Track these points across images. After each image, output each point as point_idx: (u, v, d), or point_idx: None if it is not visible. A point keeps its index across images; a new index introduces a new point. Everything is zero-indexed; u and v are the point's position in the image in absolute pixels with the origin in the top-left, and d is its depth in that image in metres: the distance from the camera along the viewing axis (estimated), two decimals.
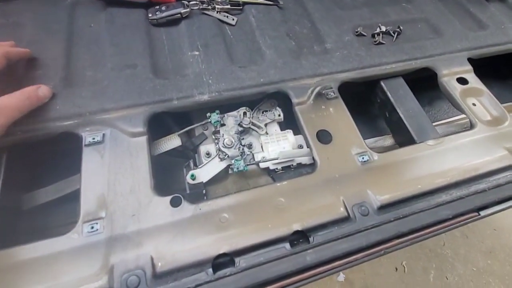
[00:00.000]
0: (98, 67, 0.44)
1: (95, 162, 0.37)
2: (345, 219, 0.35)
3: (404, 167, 0.40)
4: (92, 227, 0.33)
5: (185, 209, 0.35)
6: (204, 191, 0.42)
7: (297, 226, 0.34)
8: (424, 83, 0.62)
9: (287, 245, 0.32)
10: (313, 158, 0.41)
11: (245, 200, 0.36)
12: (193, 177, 0.41)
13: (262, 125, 0.47)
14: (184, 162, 0.45)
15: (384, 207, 0.36)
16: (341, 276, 1.11)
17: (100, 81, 0.43)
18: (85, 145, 0.38)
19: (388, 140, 0.52)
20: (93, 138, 0.38)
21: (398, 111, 0.49)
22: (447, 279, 1.20)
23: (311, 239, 0.33)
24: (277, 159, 0.44)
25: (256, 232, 0.33)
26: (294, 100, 0.45)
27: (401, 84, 0.51)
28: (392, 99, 0.50)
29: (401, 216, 0.36)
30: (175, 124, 0.46)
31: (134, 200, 0.34)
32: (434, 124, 0.57)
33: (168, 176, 0.45)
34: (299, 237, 0.34)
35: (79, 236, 0.32)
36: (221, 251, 0.31)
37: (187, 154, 0.46)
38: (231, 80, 0.45)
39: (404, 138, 0.48)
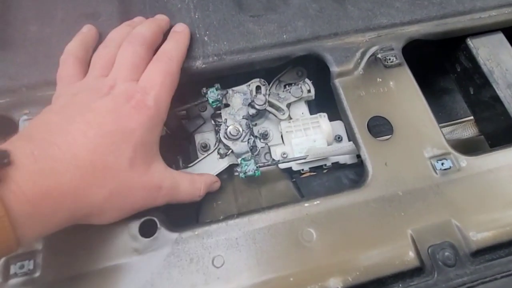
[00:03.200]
0: (46, 19, 0.30)
1: None
2: (417, 271, 0.21)
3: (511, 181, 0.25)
4: (22, 267, 0.22)
5: (160, 242, 0.22)
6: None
7: (336, 282, 0.21)
8: None
9: None
10: (362, 162, 0.26)
11: (253, 230, 0.23)
12: None
13: (283, 105, 0.32)
14: (173, 157, 0.32)
15: (482, 252, 0.22)
16: None
17: (47, 40, 0.29)
18: None
19: (469, 129, 0.35)
20: None
21: (494, 86, 0.31)
22: None
23: None
24: (304, 158, 0.30)
25: (267, 287, 0.21)
26: (334, 69, 0.29)
27: (501, 43, 0.33)
28: (484, 67, 0.32)
29: None
30: None
31: (85, 227, 0.22)
32: None
33: None
34: None
35: (3, 280, 0.21)
36: None
37: (178, 146, 0.33)
38: (238, 37, 0.29)
39: (499, 128, 0.32)
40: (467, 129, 0.35)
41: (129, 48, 0.25)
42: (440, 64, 0.39)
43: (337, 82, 0.29)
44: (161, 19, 0.29)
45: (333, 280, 0.21)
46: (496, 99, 0.31)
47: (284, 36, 0.30)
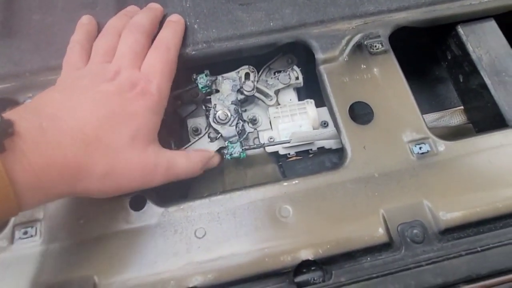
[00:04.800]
0: (49, 8, 0.32)
1: None
2: (385, 246, 0.23)
3: (488, 165, 0.25)
4: (26, 233, 0.24)
5: (148, 214, 0.24)
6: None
7: (307, 254, 0.22)
8: None
9: (287, 284, 0.21)
10: (342, 146, 0.27)
11: (234, 206, 0.25)
12: None
13: (271, 92, 0.33)
14: (166, 141, 0.34)
15: (450, 231, 0.23)
16: None
17: (49, 28, 0.31)
18: None
19: (457, 117, 0.36)
20: None
21: (482, 73, 0.32)
22: None
23: (328, 275, 0.22)
24: (288, 142, 0.31)
25: (242, 258, 0.22)
26: (319, 56, 0.30)
27: (492, 30, 0.33)
28: (473, 55, 0.32)
29: (479, 249, 0.22)
30: None
31: (81, 199, 0.25)
32: None
33: None
34: (310, 269, 0.23)
35: (9, 243, 0.24)
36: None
37: (170, 130, 0.35)
38: (227, 25, 0.31)
39: (486, 116, 0.32)
40: (454, 117, 0.36)
41: (130, 36, 0.26)
42: (433, 52, 0.39)
43: (322, 68, 0.30)
44: (155, 8, 0.31)
45: (304, 252, 0.22)
46: (484, 86, 0.31)
47: (271, 23, 0.31)
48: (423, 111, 0.29)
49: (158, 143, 0.26)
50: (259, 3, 0.32)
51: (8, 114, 0.18)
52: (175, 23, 0.30)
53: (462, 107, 0.37)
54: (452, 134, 0.37)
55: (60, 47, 0.30)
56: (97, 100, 0.22)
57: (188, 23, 0.31)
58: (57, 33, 0.31)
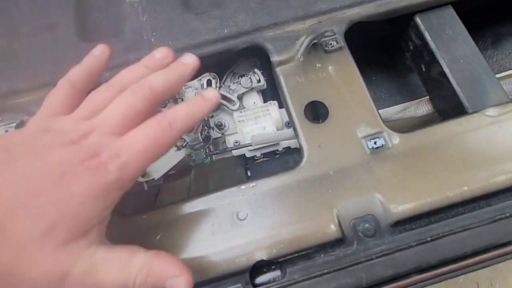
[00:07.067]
0: (13, 34, 0.33)
1: None
2: (338, 242, 0.23)
3: (442, 155, 0.26)
4: None
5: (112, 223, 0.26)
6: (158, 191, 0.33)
7: (261, 254, 0.23)
8: (488, 14, 0.42)
9: (242, 285, 0.22)
10: (300, 146, 0.28)
11: (194, 211, 0.25)
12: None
13: (233, 97, 0.34)
14: None
15: (402, 223, 0.24)
16: None
17: (14, 53, 0.32)
18: None
19: (423, 107, 0.36)
20: (6, 131, 0.30)
21: (441, 61, 0.32)
22: None
23: (282, 274, 0.23)
24: (250, 145, 0.32)
25: (200, 262, 0.23)
26: (275, 58, 0.31)
27: (451, 18, 0.33)
28: (431, 44, 0.32)
29: (429, 239, 0.23)
30: None
31: None
32: (499, 76, 0.39)
33: None
34: (266, 269, 0.23)
35: None
36: None
37: None
38: (182, 35, 0.31)
39: (448, 104, 0.32)
40: (420, 107, 0.36)
41: (127, 98, 0.21)
42: (399, 43, 0.39)
43: (278, 70, 0.30)
44: (183, 67, 0.24)
45: (258, 253, 0.23)
46: (443, 74, 0.31)
47: (225, 30, 0.31)
48: (394, 101, 0.29)
49: (86, 240, 0.18)
50: (214, 11, 0.32)
51: None
52: (205, 99, 0.23)
53: (427, 96, 0.37)
54: (420, 125, 0.37)
55: (22, 71, 0.31)
56: (30, 172, 0.18)
57: (145, 37, 0.32)
58: (21, 56, 0.32)
